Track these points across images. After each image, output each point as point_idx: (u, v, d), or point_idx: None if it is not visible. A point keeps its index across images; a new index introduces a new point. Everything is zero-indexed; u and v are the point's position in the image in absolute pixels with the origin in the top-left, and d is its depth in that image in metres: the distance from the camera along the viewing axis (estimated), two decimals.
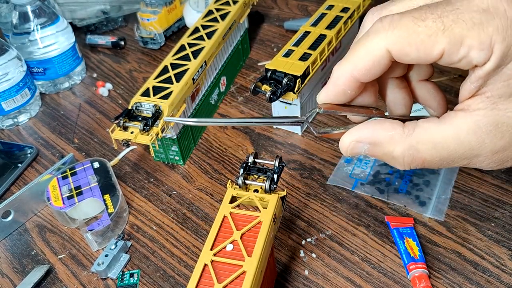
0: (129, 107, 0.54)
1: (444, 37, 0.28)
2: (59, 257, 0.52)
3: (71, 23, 0.80)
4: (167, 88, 0.56)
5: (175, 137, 0.57)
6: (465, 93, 0.31)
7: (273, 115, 0.63)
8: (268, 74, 0.57)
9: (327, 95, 0.34)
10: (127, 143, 0.52)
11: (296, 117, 0.37)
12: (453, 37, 0.28)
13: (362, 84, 0.33)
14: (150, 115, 0.53)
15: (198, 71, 0.59)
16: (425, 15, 0.28)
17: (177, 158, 0.60)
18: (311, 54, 0.58)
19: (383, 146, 0.32)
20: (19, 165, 0.63)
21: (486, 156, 0.31)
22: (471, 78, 0.30)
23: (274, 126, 0.63)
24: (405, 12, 0.29)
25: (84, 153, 0.64)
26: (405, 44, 0.29)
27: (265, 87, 0.56)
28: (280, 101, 0.60)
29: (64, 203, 0.53)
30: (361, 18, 0.69)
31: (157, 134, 0.52)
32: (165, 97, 0.54)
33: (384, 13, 0.33)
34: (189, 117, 0.60)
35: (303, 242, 0.50)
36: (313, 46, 0.60)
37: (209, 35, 0.63)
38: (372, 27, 0.31)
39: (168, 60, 0.60)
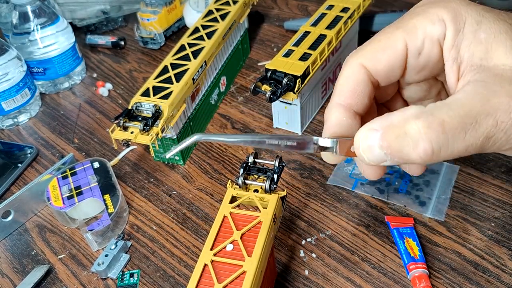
0: (129, 107, 0.54)
1: (398, 30, 0.32)
2: (59, 257, 0.52)
3: (71, 23, 0.80)
4: (167, 88, 0.56)
5: (175, 137, 0.57)
6: (451, 77, 0.31)
7: (273, 116, 0.63)
8: (268, 74, 0.57)
9: (328, 132, 0.34)
10: (127, 143, 0.52)
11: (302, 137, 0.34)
12: (407, 27, 0.32)
13: (355, 114, 0.34)
14: (150, 115, 0.53)
15: (198, 71, 0.59)
16: (382, 30, 0.33)
17: (177, 158, 0.60)
18: (311, 54, 0.58)
19: (395, 127, 0.28)
20: (19, 165, 0.63)
21: (509, 102, 0.28)
22: (446, 59, 0.31)
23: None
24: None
25: (84, 153, 0.64)
26: (373, 52, 0.33)
27: (265, 87, 0.56)
28: (280, 101, 0.60)
29: (64, 203, 0.53)
30: (361, 18, 0.70)
31: (157, 134, 0.52)
32: (165, 97, 0.54)
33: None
34: (189, 117, 0.60)
35: (303, 242, 0.50)
36: (313, 46, 0.60)
37: (209, 35, 0.63)
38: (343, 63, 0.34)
39: (168, 60, 0.60)
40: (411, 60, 0.32)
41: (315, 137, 0.33)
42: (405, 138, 0.28)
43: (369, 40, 0.34)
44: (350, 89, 0.33)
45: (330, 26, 0.63)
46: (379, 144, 0.29)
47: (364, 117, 0.34)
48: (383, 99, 0.38)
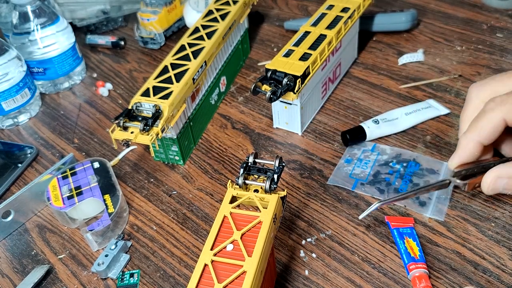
0: (129, 107, 0.54)
1: None
2: (59, 257, 0.52)
3: (71, 23, 0.80)
4: (167, 88, 0.56)
5: (175, 137, 0.57)
6: None
7: (273, 116, 0.63)
8: (268, 74, 0.57)
9: (460, 160, 0.45)
10: (127, 143, 0.52)
11: (442, 180, 0.46)
12: None
13: (483, 147, 0.44)
14: (150, 115, 0.53)
15: (198, 71, 0.59)
16: None
17: (177, 158, 0.60)
18: (311, 54, 0.58)
19: None
20: (19, 165, 0.63)
21: None
22: None
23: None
24: (510, 92, 0.41)
25: (84, 153, 0.64)
26: None
27: (265, 87, 0.56)
28: (280, 101, 0.60)
29: (64, 203, 0.53)
30: (361, 18, 0.70)
31: (157, 134, 0.52)
32: (165, 97, 0.54)
33: (487, 88, 0.44)
34: (189, 117, 0.60)
35: (303, 242, 0.50)
36: (313, 46, 0.60)
37: (209, 35, 0.63)
38: (486, 106, 0.42)
39: (168, 60, 0.60)
40: None
41: (452, 179, 0.45)
42: None
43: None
44: (490, 133, 0.42)
45: (330, 26, 0.63)
46: (502, 187, 0.42)
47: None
48: None
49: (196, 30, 0.65)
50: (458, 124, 0.59)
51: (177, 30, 0.85)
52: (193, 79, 0.58)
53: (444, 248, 0.47)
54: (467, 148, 0.44)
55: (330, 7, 0.66)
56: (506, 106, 0.41)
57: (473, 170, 0.45)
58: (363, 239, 0.49)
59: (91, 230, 0.50)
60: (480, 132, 0.42)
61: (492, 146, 0.46)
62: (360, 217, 0.47)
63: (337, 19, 0.64)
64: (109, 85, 0.75)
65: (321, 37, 0.61)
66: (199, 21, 0.67)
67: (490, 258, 0.46)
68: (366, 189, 0.54)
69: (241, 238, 0.37)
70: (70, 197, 0.54)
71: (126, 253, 0.51)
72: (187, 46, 0.62)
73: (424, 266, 0.44)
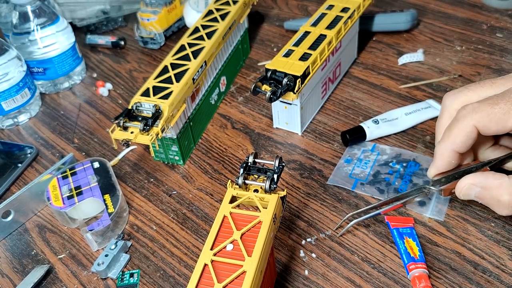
0: (129, 107, 0.54)
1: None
2: (59, 257, 0.52)
3: (71, 23, 0.80)
4: (167, 88, 0.56)
5: (175, 137, 0.57)
6: None
7: (273, 116, 0.63)
8: (268, 74, 0.57)
9: (437, 169, 0.45)
10: (127, 143, 0.52)
11: (420, 189, 0.46)
12: None
13: (460, 154, 0.44)
14: (150, 115, 0.53)
15: (198, 71, 0.59)
16: (497, 101, 0.40)
17: (177, 158, 0.60)
18: (311, 54, 0.58)
19: (492, 190, 0.40)
20: (19, 165, 0.63)
21: None
22: None
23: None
24: (482, 100, 0.41)
25: (84, 153, 0.64)
26: (487, 121, 0.40)
27: (265, 87, 0.56)
28: (280, 101, 0.60)
29: (64, 203, 0.53)
30: (361, 18, 0.70)
31: (157, 134, 0.52)
32: (165, 97, 0.54)
33: (461, 97, 0.44)
34: (189, 117, 0.60)
35: (303, 242, 0.50)
36: (313, 46, 0.60)
37: (209, 35, 0.63)
38: (458, 113, 0.43)
39: (168, 60, 0.60)
40: None
41: (430, 188, 0.46)
42: (495, 200, 0.40)
43: (483, 103, 0.41)
44: (463, 141, 0.42)
45: (330, 26, 0.63)
46: (475, 195, 0.42)
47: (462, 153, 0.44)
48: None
49: (196, 30, 0.65)
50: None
51: (177, 30, 0.85)
52: (193, 79, 0.58)
53: (444, 248, 0.47)
54: (443, 157, 0.44)
55: (330, 7, 0.66)
56: (478, 114, 0.41)
57: (454, 177, 0.45)
58: (363, 239, 0.49)
59: (91, 230, 0.50)
60: (454, 140, 0.43)
61: (471, 151, 0.46)
62: (339, 235, 0.49)
63: (337, 19, 0.64)
64: (109, 85, 0.75)
65: (321, 37, 0.61)
66: (199, 21, 0.67)
67: (489, 258, 0.46)
68: (366, 189, 0.54)
69: (241, 238, 0.37)
70: (70, 197, 0.54)
71: (126, 253, 0.51)
72: (187, 46, 0.62)
73: (424, 266, 0.44)
